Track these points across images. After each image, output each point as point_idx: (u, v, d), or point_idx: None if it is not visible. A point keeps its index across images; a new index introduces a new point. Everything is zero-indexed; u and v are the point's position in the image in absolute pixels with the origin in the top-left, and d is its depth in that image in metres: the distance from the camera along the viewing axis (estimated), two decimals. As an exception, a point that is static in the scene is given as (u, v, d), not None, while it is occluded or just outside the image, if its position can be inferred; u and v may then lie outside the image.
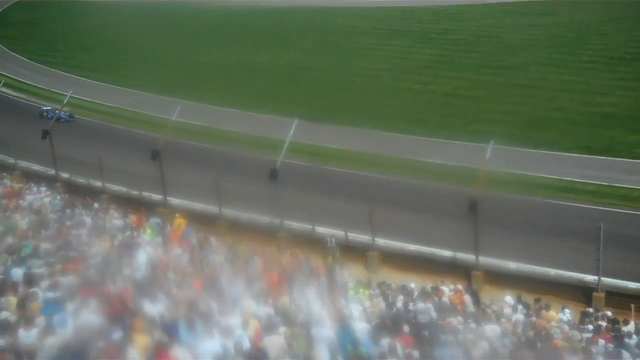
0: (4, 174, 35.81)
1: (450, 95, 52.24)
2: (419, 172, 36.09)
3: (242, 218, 30.12)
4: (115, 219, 28.02)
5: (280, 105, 49.85)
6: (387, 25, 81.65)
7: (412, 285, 22.34)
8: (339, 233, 27.35)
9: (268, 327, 18.62)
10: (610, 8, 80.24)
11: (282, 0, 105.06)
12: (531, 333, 19.43)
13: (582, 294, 22.73)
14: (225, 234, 28.05)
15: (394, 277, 23.89)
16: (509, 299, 21.28)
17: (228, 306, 21.13)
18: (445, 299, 21.72)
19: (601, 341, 18.90)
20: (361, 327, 19.98)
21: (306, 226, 28.56)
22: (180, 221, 27.70)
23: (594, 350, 18.49)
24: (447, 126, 44.09)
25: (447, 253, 25.76)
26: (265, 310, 20.99)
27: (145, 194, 32.70)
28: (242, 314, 20.58)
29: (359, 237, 27.29)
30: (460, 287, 22.71)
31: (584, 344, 18.85)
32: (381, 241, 26.77)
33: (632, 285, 22.99)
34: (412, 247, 26.36)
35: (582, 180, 34.10)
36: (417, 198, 32.54)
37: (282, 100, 52.47)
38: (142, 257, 23.05)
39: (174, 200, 31.83)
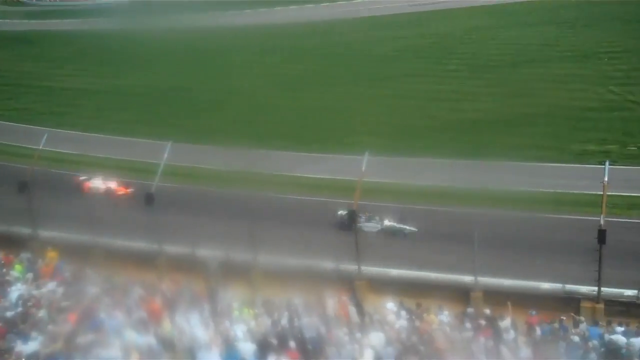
0: None
1: (323, 110, 52.79)
2: (297, 188, 36.25)
3: (119, 246, 29.20)
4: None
5: (154, 128, 48.92)
6: (258, 43, 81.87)
7: (297, 300, 22.29)
8: (220, 254, 26.95)
9: (150, 356, 18.10)
10: (472, 18, 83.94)
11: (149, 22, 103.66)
12: (415, 338, 19.74)
13: (461, 295, 23.31)
14: (102, 264, 27.08)
15: (278, 294, 23.70)
16: (392, 305, 21.60)
17: (108, 338, 20.47)
18: (330, 312, 21.80)
19: (481, 339, 19.46)
20: (247, 348, 19.81)
21: (186, 250, 27.98)
22: (52, 254, 26.60)
23: (474, 348, 19.03)
24: (322, 140, 44.51)
25: (329, 265, 25.87)
26: (146, 339, 20.45)
27: (14, 228, 31.13)
28: (123, 345, 19.96)
29: (241, 256, 26.99)
30: (344, 298, 22.86)
31: (465, 344, 19.36)
32: (263, 259, 26.57)
33: (506, 282, 23.88)
34: (295, 262, 26.29)
35: (449, 185, 35.08)
36: (297, 213, 32.71)
37: (155, 123, 51.47)
38: (13, 294, 22.05)
39: (45, 233, 30.45)
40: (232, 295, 23.68)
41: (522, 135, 42.91)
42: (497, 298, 22.13)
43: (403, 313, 21.29)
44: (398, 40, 76.10)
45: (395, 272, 24.91)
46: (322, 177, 37.48)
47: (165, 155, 29.24)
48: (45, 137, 32.41)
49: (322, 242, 27.56)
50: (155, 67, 74.60)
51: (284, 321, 21.13)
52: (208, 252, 27.08)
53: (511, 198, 32.64)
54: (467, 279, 23.88)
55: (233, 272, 25.87)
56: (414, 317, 21.09)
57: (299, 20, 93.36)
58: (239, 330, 20.72)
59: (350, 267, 25.30)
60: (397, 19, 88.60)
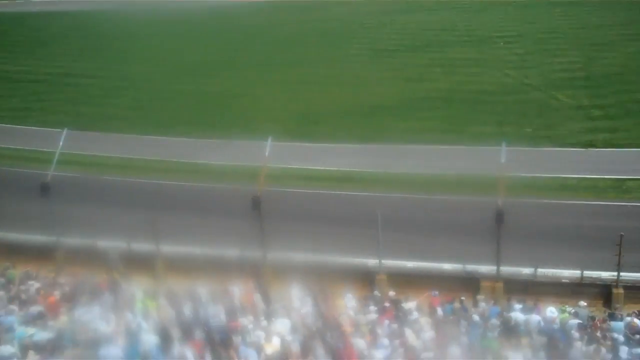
0: None
1: (226, 95, 52.20)
2: (200, 175, 35.77)
3: (13, 239, 28.08)
4: None
5: (47, 115, 47.30)
6: (157, 28, 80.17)
7: (201, 290, 22.03)
8: (122, 245, 26.32)
9: (50, 351, 17.61)
10: (370, 3, 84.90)
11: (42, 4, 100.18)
12: (320, 323, 19.90)
13: (366, 278, 23.56)
14: (-4, 260, 26.04)
15: (182, 284, 23.33)
16: (297, 292, 21.64)
17: (2, 334, 19.84)
18: (235, 300, 21.67)
19: (385, 322, 19.79)
20: (151, 340, 19.52)
21: (86, 241, 27.12)
22: None
23: (379, 331, 19.36)
24: (225, 126, 43.94)
25: (234, 253, 25.62)
26: (44, 334, 19.91)
27: None
28: (19, 341, 19.37)
29: (143, 247, 26.40)
30: (250, 285, 22.76)
31: (369, 327, 19.67)
32: (166, 249, 26.07)
33: (410, 264, 24.33)
34: (199, 251, 25.92)
35: (358, 170, 35.47)
36: (200, 201, 32.24)
37: (49, 110, 49.71)
38: None
39: None
40: (135, 287, 23.26)
41: (422, 119, 43.72)
42: (401, 280, 22.49)
43: (308, 299, 21.36)
44: (299, 24, 76.11)
45: (300, 257, 24.83)
46: (225, 163, 36.98)
47: (61, 143, 28.17)
48: None
49: (227, 229, 27.20)
50: (50, 52, 71.95)
51: (188, 311, 20.88)
52: (109, 243, 26.37)
53: (413, 181, 33.29)
54: (372, 262, 24.14)
55: (135, 263, 25.35)
56: (319, 303, 21.20)
57: (199, 5, 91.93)
58: (143, 322, 20.38)
59: (255, 254, 25.11)
60: (296, 4, 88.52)
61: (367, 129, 42.27)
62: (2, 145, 42.05)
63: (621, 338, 18.52)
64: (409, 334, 19.00)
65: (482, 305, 21.04)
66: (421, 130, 41.08)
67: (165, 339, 19.39)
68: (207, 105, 50.05)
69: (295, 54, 63.37)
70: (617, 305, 21.48)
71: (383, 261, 23.89)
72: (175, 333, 19.47)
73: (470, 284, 22.93)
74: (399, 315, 20.23)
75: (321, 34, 70.79)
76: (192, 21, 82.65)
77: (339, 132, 41.53)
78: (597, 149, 36.46)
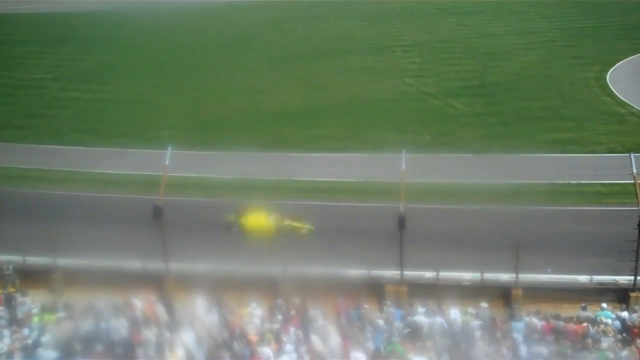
0: None
1: (123, 103, 51.09)
2: (98, 185, 34.85)
3: None
4: None
5: None
6: (49, 32, 77.40)
7: (102, 302, 21.45)
8: (17, 258, 25.32)
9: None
10: (267, 11, 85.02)
11: None
12: (226, 333, 19.74)
13: (271, 287, 23.43)
14: None
15: (82, 297, 22.62)
16: (202, 302, 21.36)
17: None
18: (137, 312, 21.20)
19: (291, 329, 19.79)
20: (49, 355, 18.95)
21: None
22: None
23: (285, 339, 19.35)
24: (122, 134, 43.11)
25: (135, 264, 25.07)
26: None
27: None
28: None
29: (40, 260, 25.50)
30: (152, 297, 22.30)
31: (275, 335, 19.64)
32: (64, 261, 25.23)
33: (314, 270, 24.39)
34: (98, 263, 25.18)
35: (259, 178, 35.30)
36: (99, 211, 31.35)
37: None
38: None
39: None
40: (32, 301, 22.48)
41: (322, 127, 44.13)
42: (306, 287, 22.52)
43: (213, 309, 21.12)
44: (198, 31, 75.28)
45: (203, 267, 24.53)
46: (124, 172, 36.18)
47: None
48: None
49: (127, 240, 26.57)
50: None
51: (89, 325, 20.31)
52: (3, 257, 25.35)
53: (315, 188, 33.53)
54: (276, 270, 24.08)
55: (31, 277, 24.49)
56: (224, 312, 21.01)
57: (94, 8, 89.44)
58: (41, 337, 19.72)
59: (157, 265, 24.63)
60: (194, 10, 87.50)
61: (268, 137, 42.32)
62: None
63: (520, 338, 19.16)
64: (315, 340, 19.07)
65: (387, 309, 21.36)
66: (322, 137, 41.54)
67: (65, 354, 18.82)
68: (103, 113, 48.77)
69: (194, 61, 62.70)
70: (516, 306, 22.22)
71: (288, 268, 23.88)
72: (76, 347, 18.90)
73: (375, 289, 23.23)
74: (305, 322, 20.26)
75: (220, 42, 70.31)
76: (86, 25, 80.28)
77: (240, 140, 41.25)
78: (493, 155, 37.67)
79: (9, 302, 22.43)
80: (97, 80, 57.32)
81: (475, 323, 19.97)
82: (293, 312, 21.03)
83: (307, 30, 75.25)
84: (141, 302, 21.87)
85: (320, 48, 66.46)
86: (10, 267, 24.62)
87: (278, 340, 19.35)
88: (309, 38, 71.53)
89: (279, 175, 35.36)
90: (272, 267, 24.16)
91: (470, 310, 20.95)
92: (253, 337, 19.47)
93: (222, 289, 22.25)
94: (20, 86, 56.14)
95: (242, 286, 22.78)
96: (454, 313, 20.46)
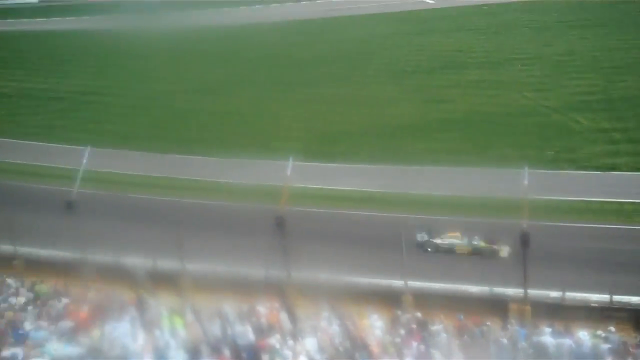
0: None
1: (245, 115, 52.47)
2: (223, 194, 36.00)
3: (41, 255, 28.35)
4: None
5: (70, 133, 47.71)
6: (174, 47, 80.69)
7: (228, 308, 22.16)
8: (148, 262, 26.52)
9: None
10: (386, 24, 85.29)
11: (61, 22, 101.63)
12: (347, 343, 19.97)
13: (392, 299, 23.58)
14: (24, 275, 26.27)
15: (208, 302, 23.47)
16: (324, 311, 21.72)
17: (33, 350, 20.00)
18: (262, 319, 21.80)
19: (413, 343, 19.81)
20: (179, 357, 19.65)
21: (112, 258, 27.33)
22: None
23: (406, 352, 19.39)
24: (245, 145, 44.19)
25: (259, 272, 25.78)
26: (74, 350, 20.06)
27: None
28: (50, 357, 19.55)
29: (169, 264, 26.62)
30: (276, 305, 22.86)
31: (397, 348, 19.70)
32: (192, 266, 26.25)
33: (436, 286, 24.34)
34: (224, 270, 26.05)
35: (378, 191, 35.59)
36: (224, 220, 32.56)
37: (71, 127, 50.21)
38: None
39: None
40: (162, 304, 23.42)
41: (442, 140, 43.82)
42: (428, 302, 22.50)
43: (335, 319, 21.44)
44: (317, 45, 76.45)
45: (324, 277, 24.90)
46: (247, 182, 37.21)
47: (84, 161, 28.60)
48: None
49: (252, 248, 27.37)
50: (71, 70, 72.70)
51: (216, 329, 21.02)
52: (135, 261, 26.58)
53: (435, 202, 33.39)
54: (397, 283, 24.18)
55: (162, 281, 25.53)
56: (346, 323, 21.28)
57: (219, 23, 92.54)
58: (171, 339, 20.54)
59: (280, 273, 25.23)
60: (314, 24, 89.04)
61: (386, 150, 42.41)
62: (27, 162, 42.54)
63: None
64: (437, 356, 19.03)
65: (511, 328, 21.03)
66: (441, 151, 41.24)
67: (193, 356, 19.55)
68: (227, 124, 50.33)
69: (313, 74, 63.65)
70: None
71: (409, 282, 23.93)
72: (204, 350, 19.61)
73: (497, 306, 22.90)
74: (426, 337, 20.25)
75: (339, 55, 71.04)
76: (209, 40, 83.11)
77: (359, 153, 41.72)
78: (620, 172, 36.42)
79: (141, 304, 23.49)
80: (221, 92, 59.12)
81: (605, 347, 19.37)
82: (414, 326, 21.08)
83: (425, 44, 75.00)
84: (265, 309, 22.48)
85: (439, 61, 65.99)
86: (142, 270, 25.73)
87: (400, 353, 19.43)
88: (426, 51, 71.19)
89: (397, 189, 35.50)
90: (393, 280, 24.30)
91: (600, 333, 20.33)
92: (374, 349, 19.62)
93: (342, 299, 22.57)
94: (152, 98, 58.72)
95: (362, 297, 23.03)
96: (583, 335, 19.89)
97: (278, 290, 24.53)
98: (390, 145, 43.54)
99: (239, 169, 39.62)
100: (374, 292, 23.55)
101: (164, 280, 25.64)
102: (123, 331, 20.98)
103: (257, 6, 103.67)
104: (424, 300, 22.91)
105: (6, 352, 19.44)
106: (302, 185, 33.30)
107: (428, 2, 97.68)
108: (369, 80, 60.65)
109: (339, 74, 62.79)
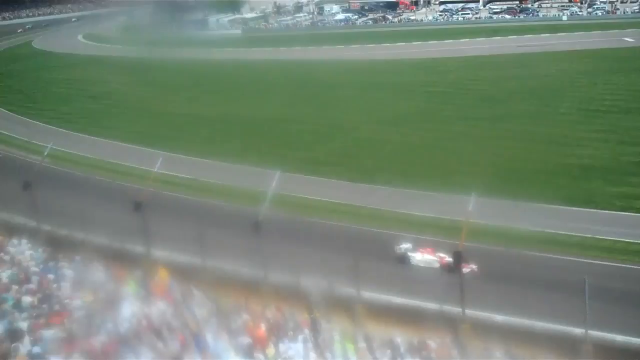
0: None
1: (429, 147, 52.60)
2: (402, 224, 36.23)
3: (226, 270, 29.87)
4: (97, 271, 27.72)
5: (261, 156, 50.03)
6: (367, 78, 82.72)
7: (399, 339, 22.24)
8: (325, 286, 27.17)
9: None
10: (579, 61, 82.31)
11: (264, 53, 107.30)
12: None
13: (569, 347, 22.59)
14: (209, 287, 27.79)
15: (380, 331, 23.70)
16: (497, 353, 21.24)
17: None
18: (432, 354, 21.67)
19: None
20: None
21: (291, 279, 28.34)
22: (163, 274, 27.42)
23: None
24: (427, 178, 44.27)
25: (433, 306, 25.65)
26: (250, 365, 20.79)
27: (128, 246, 32.32)
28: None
29: (345, 290, 27.12)
30: (447, 341, 22.64)
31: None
32: (367, 294, 26.61)
33: (619, 338, 23.05)
34: (398, 300, 26.24)
35: (564, 233, 34.38)
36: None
37: (264, 151, 52.66)
38: (126, 311, 22.83)
39: (157, 253, 31.52)
40: (334, 328, 23.90)
41: (636, 186, 41.48)
42: (609, 353, 21.38)
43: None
44: (507, 80, 75.25)
45: (500, 317, 24.43)
46: (425, 214, 37.27)
47: (274, 184, 29.88)
48: (160, 160, 33.75)
49: (427, 282, 27.37)
50: (265, 98, 76.56)
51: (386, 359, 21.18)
52: (312, 283, 27.38)
53: (627, 250, 31.77)
54: (577, 330, 23.16)
55: (336, 305, 26.08)
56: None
57: (408, 56, 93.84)
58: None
59: (454, 309, 24.98)
60: (505, 59, 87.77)
61: (574, 191, 40.83)
62: (219, 182, 45.19)
63: None
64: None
65: None
66: (633, 196, 39.04)
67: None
68: (409, 156, 50.66)
69: (501, 109, 62.66)
70: None
71: (589, 331, 22.84)
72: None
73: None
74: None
75: (530, 91, 69.51)
76: (399, 73, 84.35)
77: (545, 192, 40.40)
78: None
79: (315, 326, 24.12)
80: (406, 124, 59.64)
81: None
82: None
83: (621, 83, 71.48)
84: (436, 344, 22.33)
85: (635, 102, 62.52)
86: (319, 293, 26.43)
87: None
88: (622, 90, 67.75)
89: (585, 232, 34.16)
90: (574, 328, 23.31)
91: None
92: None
93: (517, 342, 21.98)
94: (338, 127, 60.41)
95: (538, 342, 22.27)
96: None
97: (451, 327, 24.29)
98: (579, 187, 41.84)
99: (419, 201, 39.72)
100: (550, 338, 22.67)
101: (338, 305, 26.20)
102: (296, 351, 21.62)
103: (447, 40, 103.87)
104: (605, 351, 21.77)
105: (189, 360, 20.54)
106: (484, 222, 32.83)
107: (628, 41, 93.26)
108: (559, 118, 58.74)
109: (528, 111, 61.37)
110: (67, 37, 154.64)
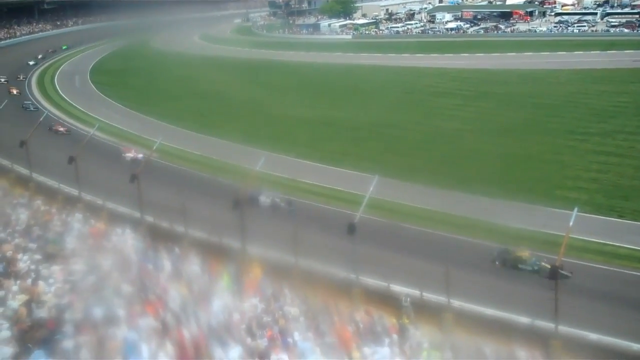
0: (91, 214, 37.01)
1: (533, 159, 51.37)
2: (498, 236, 35.58)
3: (318, 271, 30.20)
4: (193, 264, 28.55)
5: (360, 161, 50.20)
6: (471, 87, 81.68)
7: (487, 350, 21.91)
8: (414, 292, 27.12)
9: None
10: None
11: (367, 58, 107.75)
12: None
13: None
14: (300, 286, 28.19)
15: (468, 341, 23.41)
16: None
17: (298, 358, 21.17)
18: (520, 367, 21.27)
19: None
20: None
21: (381, 283, 28.45)
22: (256, 271, 27.97)
23: None
24: (528, 190, 43.32)
25: (524, 319, 25.16)
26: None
27: (225, 241, 33.16)
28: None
29: (434, 297, 26.97)
30: (537, 354, 22.15)
31: None
32: (457, 303, 26.36)
33: None
34: (489, 311, 25.85)
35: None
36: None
37: (362, 156, 52.86)
38: (218, 304, 23.37)
39: (252, 249, 32.21)
40: (423, 335, 23.77)
41: None
42: None
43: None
44: (618, 95, 72.53)
45: (594, 336, 23.71)
46: (523, 227, 36.46)
47: (371, 189, 30.00)
48: (262, 159, 34.50)
49: (521, 294, 26.84)
50: (370, 102, 76.78)
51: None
52: (402, 289, 27.37)
53: None
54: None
55: (425, 312, 25.96)
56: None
57: (518, 67, 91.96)
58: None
59: (546, 324, 24.42)
60: (618, 74, 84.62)
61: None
62: (317, 183, 45.70)
63: None
64: None
65: None
66: None
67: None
68: (511, 167, 49.64)
69: (610, 124, 60.43)
70: None
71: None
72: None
73: None
74: None
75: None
76: (509, 83, 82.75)
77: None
78: None
79: (403, 332, 24.05)
80: (511, 135, 58.44)
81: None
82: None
83: None
84: (525, 357, 21.88)
85: None
86: (408, 299, 26.38)
87: None
88: None
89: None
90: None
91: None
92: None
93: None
94: (440, 134, 59.91)
95: None
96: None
97: (541, 342, 23.76)
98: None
99: (518, 213, 38.79)
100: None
101: (427, 312, 26.08)
102: (382, 356, 21.60)
103: (559, 52, 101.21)
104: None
105: (274, 357, 20.86)
106: (584, 238, 31.99)
107: None
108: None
109: (638, 127, 58.98)
110: (184, 37, 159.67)
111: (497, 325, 24.80)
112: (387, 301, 26.61)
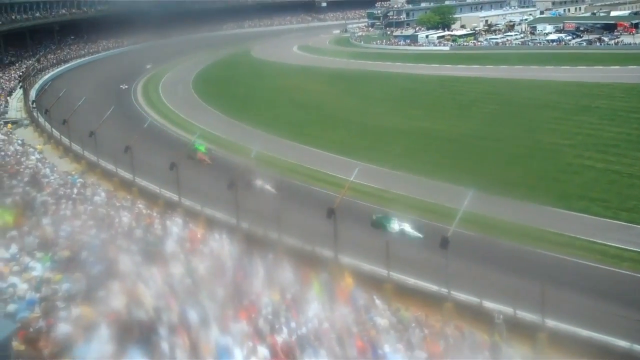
0: (190, 219, 38.20)
1: (636, 177, 49.52)
2: (597, 255, 34.63)
3: (409, 283, 30.23)
4: (286, 271, 28.99)
5: (454, 173, 49.58)
6: (573, 100, 79.48)
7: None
8: (507, 310, 26.73)
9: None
10: None
11: (464, 70, 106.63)
12: None
13: None
14: (391, 298, 28.27)
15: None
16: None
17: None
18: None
19: None
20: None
21: (473, 299, 28.16)
22: (348, 280, 28.19)
23: None
24: (630, 209, 41.83)
25: (623, 344, 24.38)
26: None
27: (318, 249, 33.56)
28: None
29: (528, 316, 26.52)
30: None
31: None
32: (551, 323, 25.82)
33: None
34: (584, 333, 25.19)
35: None
36: (592, 281, 31.29)
37: (457, 168, 52.20)
38: (309, 312, 23.65)
39: (345, 259, 32.49)
40: (515, 354, 23.42)
41: None
42: None
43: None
44: None
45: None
46: (625, 247, 35.29)
47: (466, 203, 29.77)
48: (356, 170, 34.70)
49: (617, 318, 25.95)
50: (466, 114, 75.95)
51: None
52: (495, 305, 27.01)
53: None
54: None
55: (518, 331, 25.56)
56: None
57: (622, 80, 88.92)
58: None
59: None
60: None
61: None
62: (410, 195, 45.51)
63: None
64: None
65: None
66: None
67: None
68: (615, 185, 47.92)
69: None
70: None
71: None
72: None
73: None
74: None
75: None
76: (611, 96, 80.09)
77: None
78: None
79: (495, 350, 23.73)
80: (613, 151, 56.56)
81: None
82: None
83: None
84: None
85: None
86: (501, 316, 26.05)
87: None
88: None
89: None
90: None
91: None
92: None
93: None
94: (538, 148, 58.60)
95: None
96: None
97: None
98: None
99: (619, 232, 37.60)
100: None
101: (520, 331, 25.67)
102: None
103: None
104: None
105: (365, 367, 20.95)
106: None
107: None
108: None
109: None
110: (284, 48, 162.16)
111: (593, 347, 24.18)
112: (479, 317, 26.36)
